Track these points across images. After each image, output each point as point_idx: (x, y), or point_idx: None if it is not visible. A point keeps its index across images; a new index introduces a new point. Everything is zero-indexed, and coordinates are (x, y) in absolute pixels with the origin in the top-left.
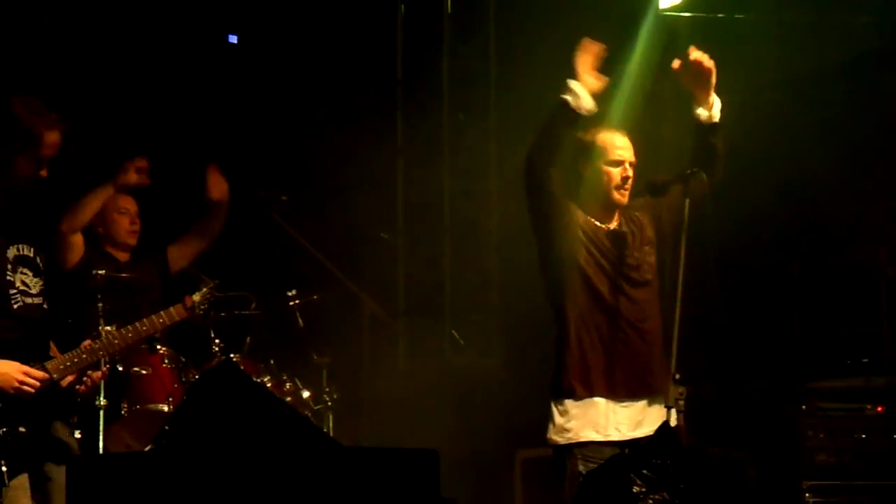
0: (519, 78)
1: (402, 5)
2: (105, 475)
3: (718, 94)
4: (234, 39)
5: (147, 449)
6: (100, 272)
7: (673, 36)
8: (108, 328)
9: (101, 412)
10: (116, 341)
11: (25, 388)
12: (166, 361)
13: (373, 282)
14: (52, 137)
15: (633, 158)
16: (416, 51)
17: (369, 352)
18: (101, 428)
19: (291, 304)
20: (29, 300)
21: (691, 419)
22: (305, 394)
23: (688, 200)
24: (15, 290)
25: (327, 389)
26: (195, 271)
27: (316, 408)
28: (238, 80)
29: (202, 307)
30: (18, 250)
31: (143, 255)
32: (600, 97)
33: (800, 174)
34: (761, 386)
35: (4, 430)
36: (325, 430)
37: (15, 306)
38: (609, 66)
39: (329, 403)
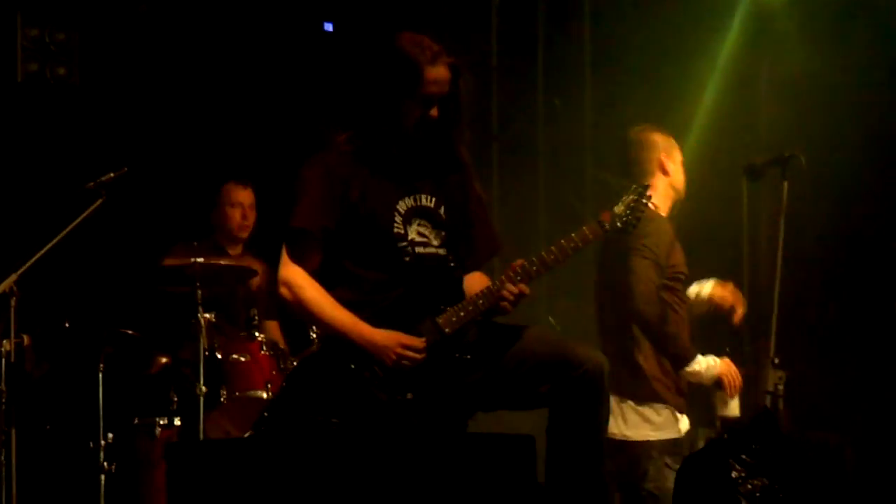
0: (614, 63)
1: None
2: (205, 462)
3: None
4: (329, 27)
5: (246, 435)
6: (199, 259)
7: (768, 18)
8: (207, 315)
9: (201, 399)
10: (519, 277)
11: (404, 361)
12: (264, 348)
13: None
14: (437, 73)
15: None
16: (510, 37)
17: None
18: (201, 415)
19: None
20: (423, 250)
21: (791, 404)
22: None
23: (786, 184)
24: (405, 243)
25: None
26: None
27: None
28: (334, 68)
29: (627, 221)
30: (416, 201)
31: (253, 257)
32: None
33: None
34: (862, 370)
35: (391, 397)
36: None
37: (406, 259)
38: (705, 50)
39: None
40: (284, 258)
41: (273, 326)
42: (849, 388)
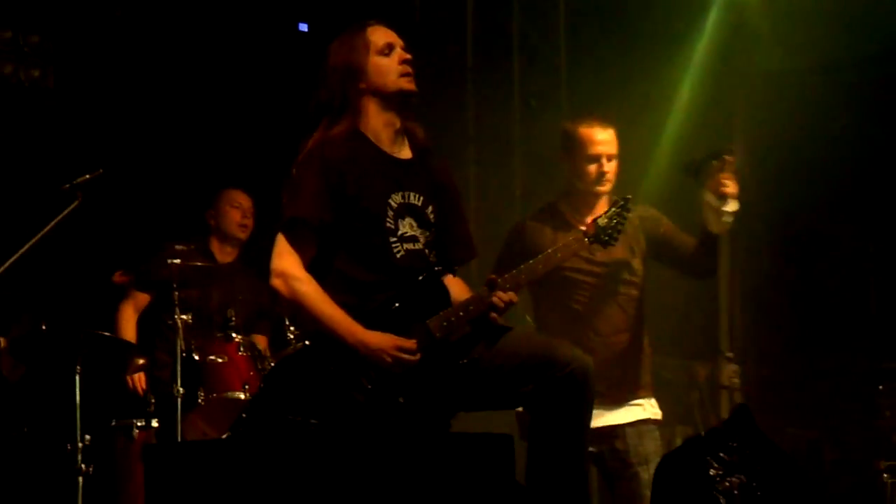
0: (589, 62)
1: None
2: (182, 463)
3: (787, 75)
4: (304, 28)
5: (224, 437)
6: (175, 261)
7: (742, 17)
8: (184, 316)
9: (178, 400)
10: (508, 285)
11: (399, 364)
12: (242, 349)
13: None
14: (381, 32)
15: (613, 152)
16: (486, 38)
17: None
18: (179, 416)
19: None
20: (411, 247)
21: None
22: None
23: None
24: (396, 238)
25: None
26: None
27: None
28: (309, 69)
29: (611, 234)
30: (405, 198)
31: (243, 269)
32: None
33: (874, 149)
34: (838, 366)
35: (382, 401)
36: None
37: (398, 255)
38: (679, 48)
39: None
40: (279, 249)
41: (261, 341)
42: (826, 385)
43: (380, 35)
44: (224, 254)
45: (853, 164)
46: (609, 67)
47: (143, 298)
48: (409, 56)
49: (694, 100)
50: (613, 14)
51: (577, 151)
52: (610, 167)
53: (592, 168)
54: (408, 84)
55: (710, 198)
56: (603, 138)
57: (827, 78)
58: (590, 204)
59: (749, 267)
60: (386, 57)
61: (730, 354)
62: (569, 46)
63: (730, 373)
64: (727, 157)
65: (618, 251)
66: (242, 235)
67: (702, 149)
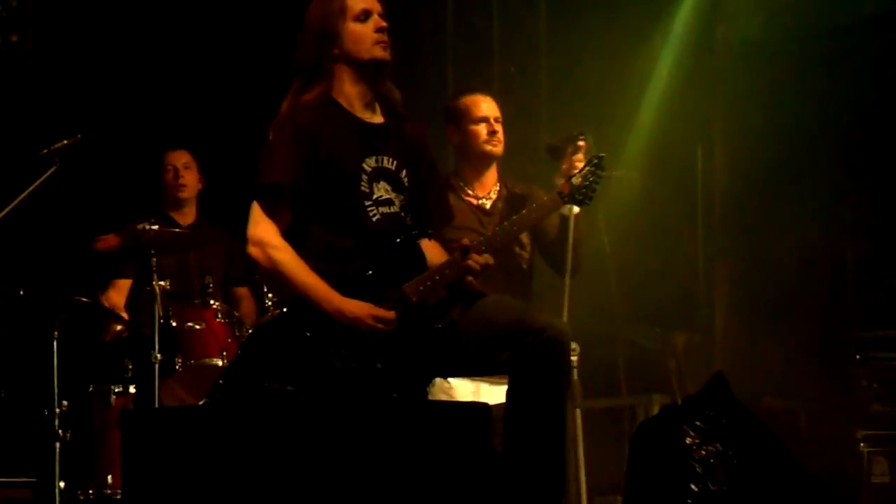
0: (569, 31)
1: None
2: (160, 429)
3: (768, 44)
4: None
5: (201, 403)
6: (152, 227)
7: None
8: (162, 283)
9: (156, 367)
10: (484, 248)
11: (375, 331)
12: (220, 316)
13: None
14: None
15: (498, 114)
16: (466, 4)
17: None
18: (156, 383)
19: None
20: (387, 210)
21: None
22: None
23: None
24: (371, 202)
25: None
26: None
27: None
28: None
29: (586, 192)
30: (378, 162)
31: (209, 224)
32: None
33: (853, 118)
34: (815, 335)
35: (360, 367)
36: None
37: (374, 219)
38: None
39: None
40: (255, 217)
41: (244, 292)
42: (801, 355)
43: None
44: (183, 216)
45: (833, 130)
46: (589, 35)
47: (124, 284)
48: (384, 24)
49: (675, 68)
50: None
51: (464, 118)
52: (499, 129)
53: (482, 128)
54: (382, 53)
55: (559, 181)
56: (487, 103)
57: (804, 46)
58: (480, 172)
59: (725, 235)
60: (362, 24)
61: None
62: (549, 14)
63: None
64: (580, 142)
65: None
66: (182, 195)
67: (681, 118)
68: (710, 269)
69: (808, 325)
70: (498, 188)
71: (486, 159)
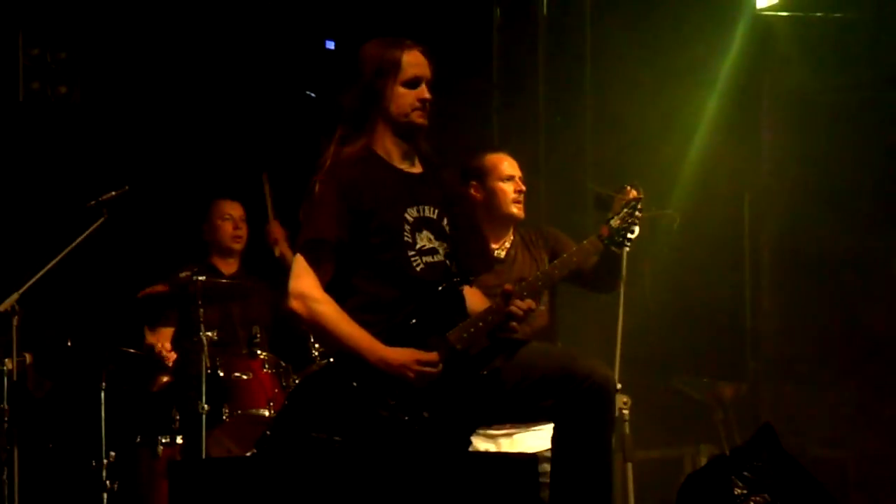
0: (614, 80)
1: (498, 8)
2: (207, 480)
3: (818, 93)
4: (331, 45)
5: (249, 454)
6: (200, 278)
7: (769, 36)
8: (209, 333)
9: (203, 417)
10: (526, 293)
11: (423, 377)
12: (267, 366)
13: None
14: (412, 56)
15: (520, 174)
16: (511, 55)
17: None
18: (203, 433)
19: None
20: (430, 259)
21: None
22: None
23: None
24: (414, 252)
25: None
26: None
27: None
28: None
29: (625, 234)
30: (419, 212)
31: (249, 275)
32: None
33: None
34: (861, 385)
35: (407, 417)
36: None
37: (417, 269)
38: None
39: None
40: (297, 270)
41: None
42: (848, 405)
43: (411, 62)
44: (227, 266)
45: (882, 182)
46: (634, 85)
47: (167, 333)
48: (429, 97)
49: (720, 118)
50: (639, 32)
51: (490, 176)
52: (524, 188)
53: (509, 186)
54: (420, 120)
55: (616, 223)
56: (510, 163)
57: (856, 95)
58: (497, 228)
59: (774, 285)
60: (409, 89)
61: (619, 385)
62: (594, 64)
63: (619, 403)
64: (631, 193)
65: (523, 268)
66: (237, 246)
67: (726, 168)
68: (756, 319)
69: (854, 375)
70: (511, 237)
71: (510, 220)
